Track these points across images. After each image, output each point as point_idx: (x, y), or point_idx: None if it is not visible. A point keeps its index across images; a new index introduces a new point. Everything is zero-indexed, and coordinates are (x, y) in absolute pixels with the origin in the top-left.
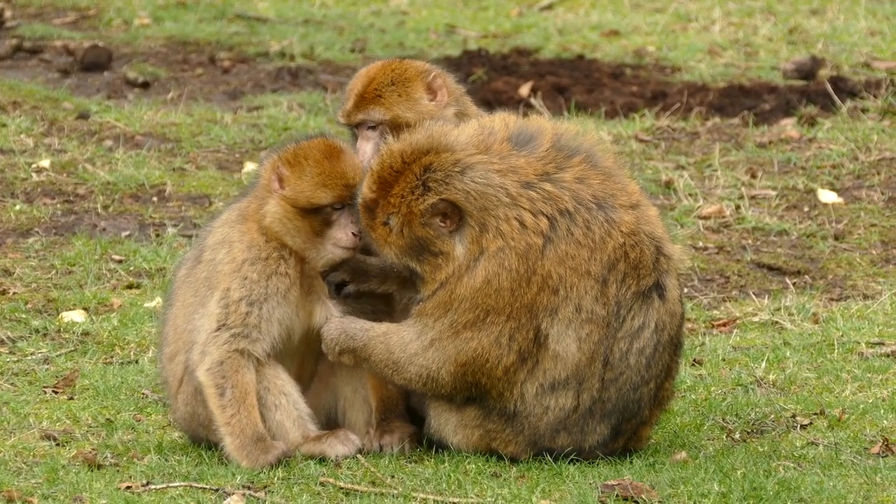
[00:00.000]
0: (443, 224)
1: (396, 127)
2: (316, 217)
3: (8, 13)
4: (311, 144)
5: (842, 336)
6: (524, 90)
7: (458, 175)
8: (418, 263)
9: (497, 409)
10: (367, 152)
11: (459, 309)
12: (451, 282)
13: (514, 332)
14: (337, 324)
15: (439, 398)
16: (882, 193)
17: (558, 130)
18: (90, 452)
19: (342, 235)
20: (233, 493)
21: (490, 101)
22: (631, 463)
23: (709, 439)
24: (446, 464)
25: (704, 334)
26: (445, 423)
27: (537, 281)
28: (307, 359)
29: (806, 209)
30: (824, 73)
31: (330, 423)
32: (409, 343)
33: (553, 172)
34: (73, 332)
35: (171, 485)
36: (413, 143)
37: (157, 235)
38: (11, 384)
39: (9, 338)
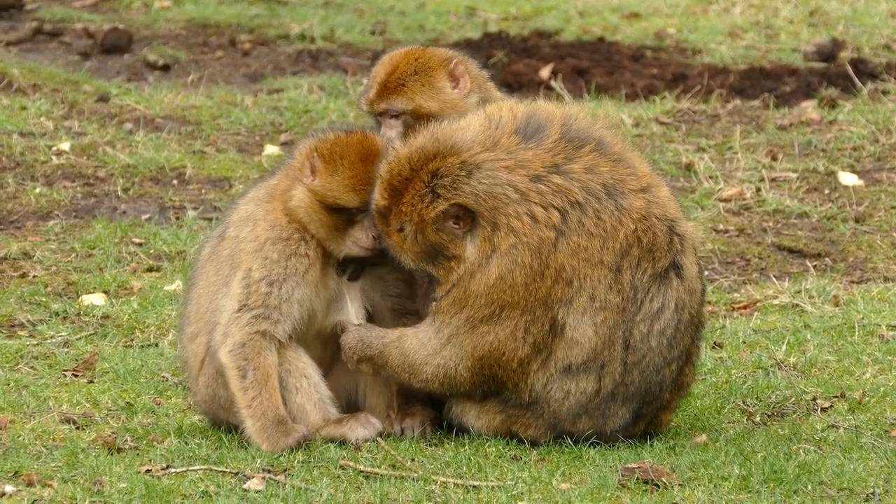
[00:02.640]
0: (457, 226)
1: (419, 116)
2: (340, 215)
3: None
4: (349, 141)
5: (862, 319)
6: (544, 73)
7: (465, 178)
8: (434, 267)
9: (512, 400)
10: (391, 141)
11: (475, 305)
12: (465, 280)
13: (530, 325)
14: (354, 332)
15: (458, 396)
16: None
17: (568, 118)
18: (110, 436)
19: (362, 236)
20: (253, 477)
21: (510, 84)
22: (651, 446)
23: (729, 422)
24: (466, 447)
25: (725, 317)
26: (469, 409)
27: (551, 274)
28: (329, 342)
29: (826, 191)
30: (845, 55)
31: (350, 406)
32: (425, 343)
33: (562, 164)
34: (93, 316)
35: (190, 468)
36: (419, 148)
37: (178, 218)
38: (31, 368)
39: (29, 321)
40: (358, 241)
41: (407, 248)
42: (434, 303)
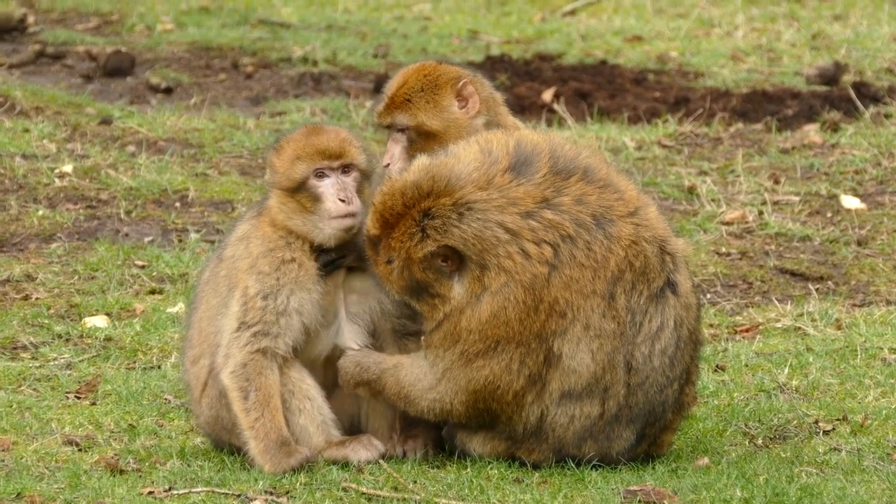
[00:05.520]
0: (444, 264)
1: (422, 133)
2: (303, 194)
3: (31, 19)
4: (295, 129)
5: (864, 342)
6: (547, 96)
7: (456, 221)
8: (417, 302)
9: (507, 432)
10: (394, 155)
11: (468, 340)
12: (453, 316)
13: (525, 357)
14: (352, 357)
15: (458, 424)
16: None
17: (555, 149)
18: (112, 458)
19: (331, 206)
20: (255, 499)
21: (513, 107)
22: (653, 468)
23: (731, 445)
24: (468, 469)
25: (727, 340)
26: (473, 437)
27: (545, 308)
28: (330, 363)
29: (829, 215)
30: (847, 78)
31: (353, 428)
32: (421, 378)
33: (552, 198)
34: (96, 338)
35: (193, 490)
36: (414, 184)
37: (180, 241)
38: (34, 390)
39: (31, 343)
40: (330, 212)
41: (393, 280)
42: (424, 337)
